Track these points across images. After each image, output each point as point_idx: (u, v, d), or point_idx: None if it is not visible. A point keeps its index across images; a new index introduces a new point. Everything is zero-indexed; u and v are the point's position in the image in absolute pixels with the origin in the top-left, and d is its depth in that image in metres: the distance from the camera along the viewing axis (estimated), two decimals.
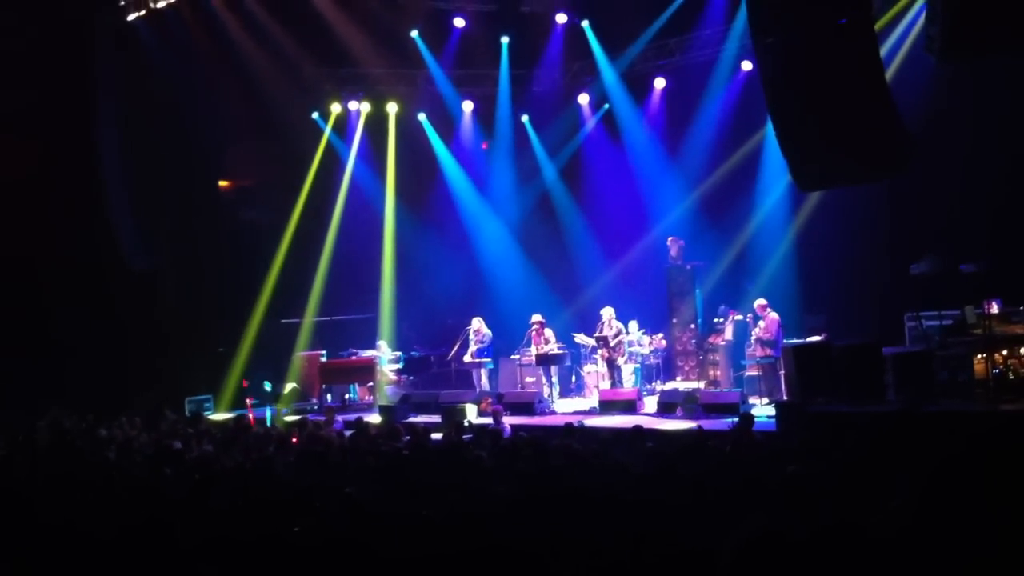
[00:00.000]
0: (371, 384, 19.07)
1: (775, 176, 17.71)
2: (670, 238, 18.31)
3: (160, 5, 17.93)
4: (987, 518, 5.04)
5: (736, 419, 11.47)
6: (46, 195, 17.61)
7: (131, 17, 18.01)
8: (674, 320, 18.32)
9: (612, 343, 16.89)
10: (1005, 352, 12.47)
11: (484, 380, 18.16)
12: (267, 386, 18.87)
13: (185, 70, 18.08)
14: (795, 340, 15.43)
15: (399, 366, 19.57)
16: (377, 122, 21.65)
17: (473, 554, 4.51)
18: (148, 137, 18.47)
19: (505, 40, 20.74)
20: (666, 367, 18.22)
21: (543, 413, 16.06)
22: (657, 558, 4.16)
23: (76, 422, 14.06)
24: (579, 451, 8.82)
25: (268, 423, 15.14)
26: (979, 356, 12.44)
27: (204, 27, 18.23)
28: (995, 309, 12.71)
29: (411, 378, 19.69)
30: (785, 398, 14.16)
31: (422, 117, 21.83)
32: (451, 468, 8.33)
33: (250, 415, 15.56)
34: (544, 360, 17.40)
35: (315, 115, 21.22)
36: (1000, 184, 14.53)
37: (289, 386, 18.93)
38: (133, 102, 18.23)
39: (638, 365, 17.63)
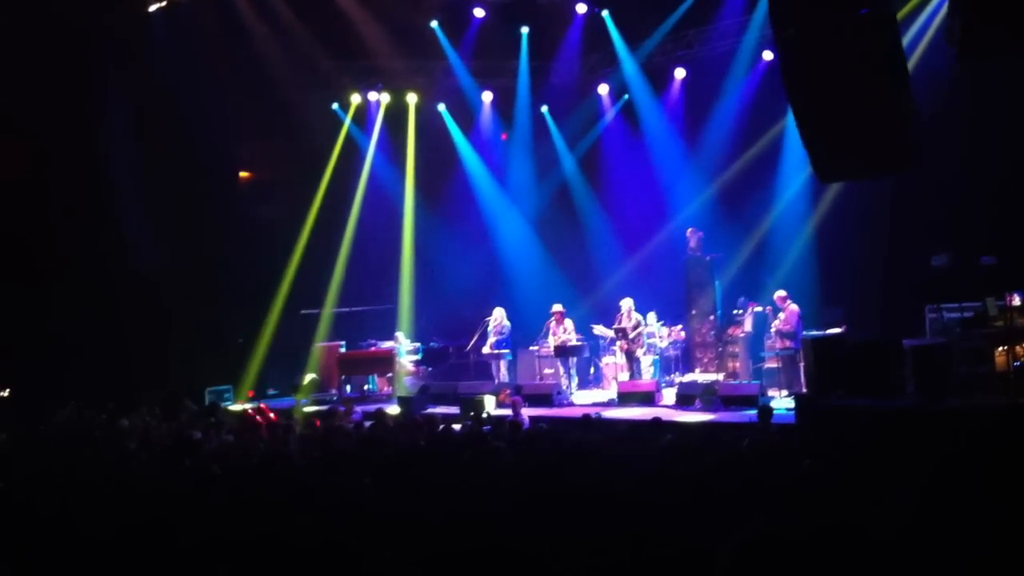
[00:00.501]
0: (390, 375, 19.15)
1: (795, 167, 17.61)
2: (690, 229, 18.26)
3: None
4: (1004, 513, 5.01)
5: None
6: (59, 190, 17.66)
7: (152, 8, 18.10)
8: (693, 312, 18.27)
9: (631, 335, 16.88)
10: None
11: (503, 371, 18.17)
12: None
13: (200, 62, 18.10)
14: (814, 332, 15.38)
15: (418, 357, 19.63)
16: (396, 113, 21.69)
17: (476, 552, 4.52)
18: (164, 131, 18.49)
19: (524, 31, 20.71)
20: (685, 359, 18.21)
21: (561, 404, 16.09)
22: (661, 558, 4.15)
23: (95, 413, 14.15)
24: (591, 445, 8.81)
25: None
26: (1000, 349, 12.35)
27: (219, 20, 18.29)
28: (1017, 301, 12.62)
29: (429, 369, 19.73)
30: (804, 391, 14.13)
31: (441, 108, 21.84)
32: (468, 463, 8.33)
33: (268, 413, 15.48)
34: (563, 351, 17.40)
35: (335, 106, 21.28)
36: (1021, 175, 14.41)
37: (308, 377, 19.02)
38: (146, 95, 18.26)
39: (657, 357, 17.61)
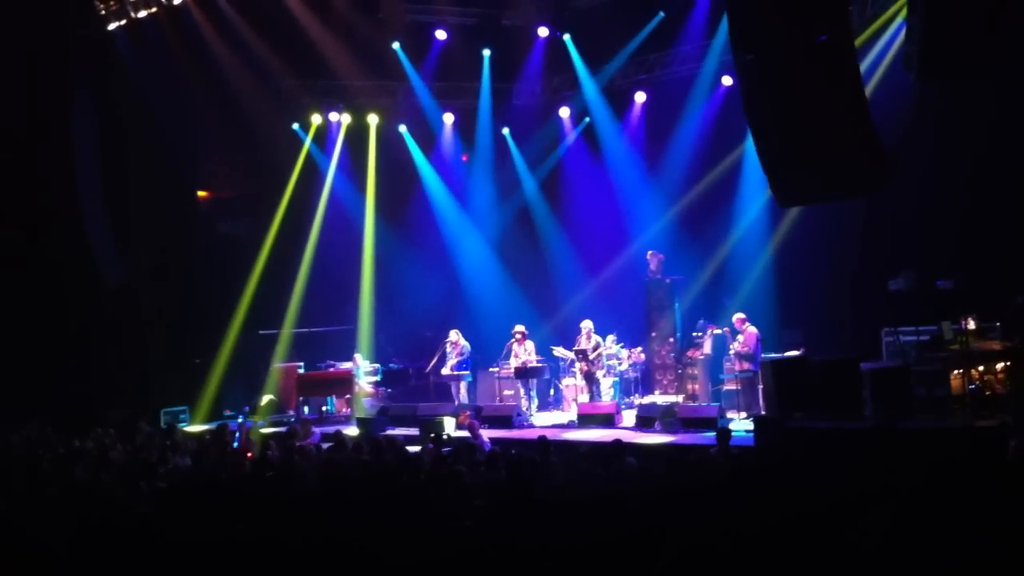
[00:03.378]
0: (348, 396, 19.01)
1: (754, 191, 17.77)
2: (650, 252, 18.36)
3: (141, 15, 17.91)
4: (963, 534, 5.05)
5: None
6: (21, 206, 17.42)
7: (112, 27, 17.96)
8: (653, 334, 18.35)
9: (591, 356, 16.88)
10: (981, 368, 12.52)
11: (463, 393, 18.10)
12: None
13: (164, 81, 18.03)
14: (773, 355, 15.48)
15: (377, 378, 19.50)
16: (357, 134, 21.60)
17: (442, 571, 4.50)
18: (126, 149, 18.36)
19: (486, 53, 20.75)
20: (644, 381, 18.24)
21: (521, 426, 16.04)
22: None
23: (50, 435, 13.91)
24: (554, 468, 8.79)
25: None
26: (956, 372, 12.49)
27: (183, 38, 18.21)
28: (972, 325, 12.78)
29: (389, 390, 19.62)
30: (763, 412, 14.20)
31: (403, 129, 21.80)
32: (429, 484, 8.28)
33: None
34: (523, 373, 17.37)
35: (295, 126, 21.17)
36: (977, 201, 14.63)
37: (266, 398, 18.83)
38: (111, 114, 18.13)
39: (617, 379, 17.62)
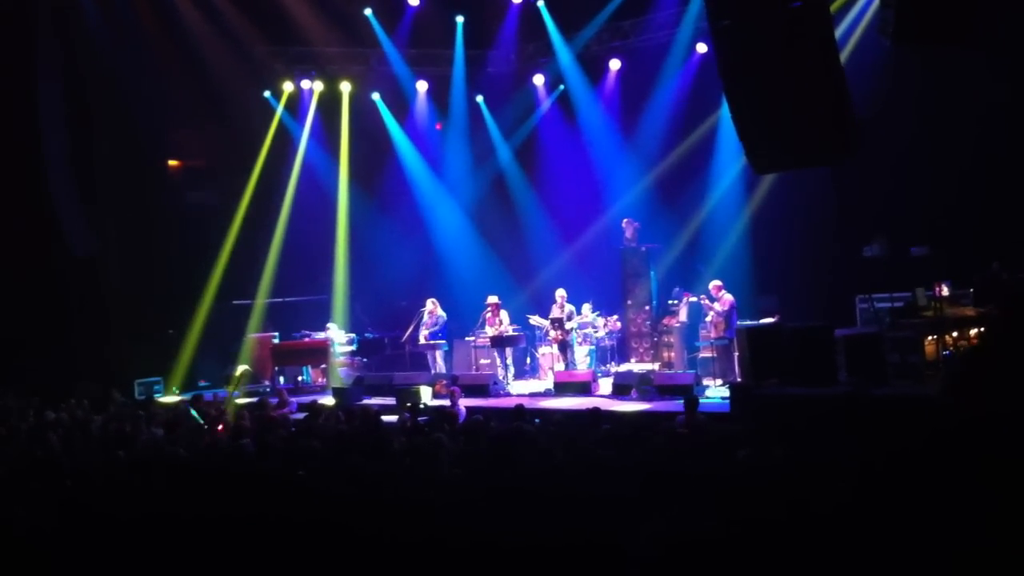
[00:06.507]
0: (324, 366, 18.95)
1: (729, 158, 17.78)
2: (625, 220, 18.35)
3: None
4: (935, 500, 5.07)
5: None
6: None
7: None
8: (629, 302, 18.39)
9: (567, 325, 16.88)
10: (955, 334, 12.62)
11: (439, 362, 18.06)
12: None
13: (133, 48, 17.76)
14: (748, 322, 15.53)
15: (352, 348, 19.43)
16: (330, 101, 21.39)
17: (422, 543, 4.48)
18: (94, 117, 18.12)
19: (460, 19, 20.60)
20: (620, 349, 18.30)
21: (498, 395, 16.04)
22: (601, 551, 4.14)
23: (22, 405, 13.77)
24: (532, 436, 8.76)
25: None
26: (930, 338, 12.57)
27: (152, 4, 17.96)
28: (945, 292, 12.86)
29: (364, 360, 19.56)
30: (738, 380, 14.27)
31: (376, 97, 21.62)
32: (407, 452, 8.26)
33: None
34: (499, 342, 17.34)
35: (267, 94, 20.94)
36: (951, 167, 14.68)
37: (241, 368, 18.72)
38: (78, 81, 17.87)
39: (593, 347, 17.65)
